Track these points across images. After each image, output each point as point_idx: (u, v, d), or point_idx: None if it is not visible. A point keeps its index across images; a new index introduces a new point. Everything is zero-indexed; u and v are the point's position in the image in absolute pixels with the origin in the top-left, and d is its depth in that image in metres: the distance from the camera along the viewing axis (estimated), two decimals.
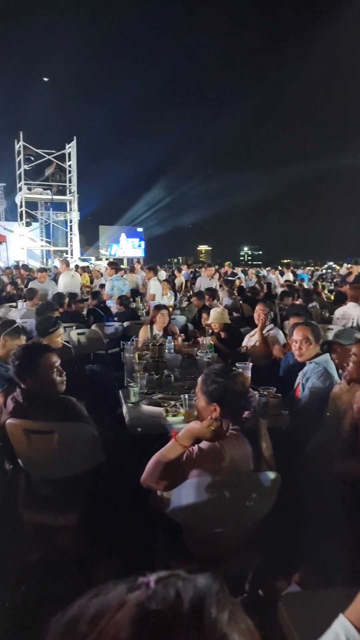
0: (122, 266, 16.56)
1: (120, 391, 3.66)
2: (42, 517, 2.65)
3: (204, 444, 2.11)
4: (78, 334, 6.30)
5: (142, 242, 36.75)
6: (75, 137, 24.58)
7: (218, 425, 2.05)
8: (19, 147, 23.97)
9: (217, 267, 17.51)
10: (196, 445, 2.12)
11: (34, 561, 2.83)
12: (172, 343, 4.72)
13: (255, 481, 2.14)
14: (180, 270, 16.01)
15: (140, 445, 3.10)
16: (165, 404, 3.30)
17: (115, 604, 0.52)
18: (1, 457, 3.31)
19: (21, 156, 23.89)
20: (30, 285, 8.70)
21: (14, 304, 9.40)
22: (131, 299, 8.76)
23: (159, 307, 5.63)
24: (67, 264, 11.65)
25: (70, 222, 26.18)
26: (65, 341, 5.61)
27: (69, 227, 26.41)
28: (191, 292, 13.31)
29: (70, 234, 26.37)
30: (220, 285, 11.42)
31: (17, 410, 2.65)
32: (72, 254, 25.86)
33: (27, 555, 2.84)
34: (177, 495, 2.13)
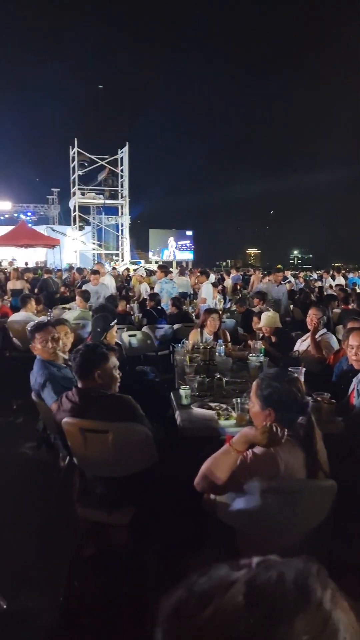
0: (171, 269, 16.66)
1: (171, 393, 3.69)
2: (96, 514, 2.70)
3: (258, 450, 2.10)
4: (129, 335, 6.39)
5: (192, 246, 36.86)
6: (127, 143, 24.97)
7: (274, 431, 2.03)
8: (74, 153, 24.58)
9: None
10: (250, 451, 2.11)
11: (87, 557, 2.89)
12: (223, 346, 4.72)
13: (310, 488, 2.11)
14: (229, 274, 15.94)
15: (191, 447, 3.11)
16: (217, 407, 3.29)
17: (224, 584, 0.54)
18: (56, 453, 3.42)
19: (75, 162, 24.48)
20: (83, 287, 8.89)
21: (67, 305, 9.64)
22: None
23: (209, 311, 5.63)
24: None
25: (122, 225, 26.59)
26: (116, 342, 5.72)
27: (120, 231, 26.82)
28: (239, 295, 13.25)
29: (121, 238, 26.77)
30: None
31: (74, 409, 2.72)
32: (122, 257, 26.25)
33: (81, 551, 2.91)
34: (230, 500, 2.12)
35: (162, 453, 2.78)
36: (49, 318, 7.99)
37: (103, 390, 2.79)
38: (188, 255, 36.25)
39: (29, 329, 3.76)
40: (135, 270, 19.87)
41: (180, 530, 2.65)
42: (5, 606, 2.63)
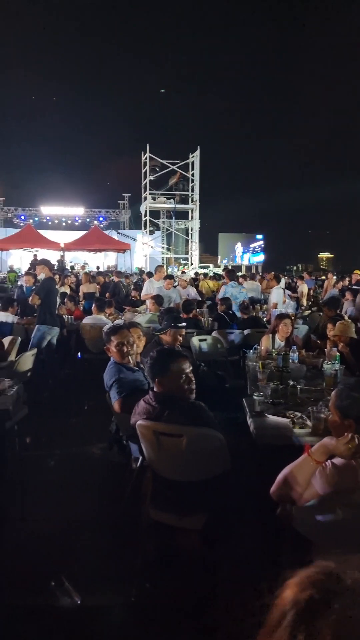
0: (239, 273, 16.54)
1: (243, 399, 3.65)
2: (168, 518, 2.71)
3: (338, 461, 2.03)
4: (200, 340, 6.40)
5: (262, 249, 36.48)
6: (198, 147, 25.10)
7: (355, 443, 1.95)
8: (145, 158, 25.02)
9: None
10: (330, 461, 2.04)
11: (158, 559, 2.90)
12: (296, 353, 4.61)
13: None
14: (302, 278, 15.59)
15: (264, 455, 3.06)
16: (292, 415, 3.22)
17: None
18: (128, 455, 3.46)
19: (147, 167, 24.90)
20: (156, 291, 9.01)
21: (138, 309, 9.80)
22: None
23: (281, 316, 5.53)
24: (151, 275, 12.13)
25: (191, 229, 26.76)
26: (186, 346, 5.74)
27: (189, 235, 26.99)
28: (312, 300, 12.93)
29: (191, 242, 26.93)
30: (343, 294, 10.95)
31: (149, 412, 2.75)
32: (192, 262, 26.40)
33: (152, 553, 2.92)
34: (307, 511, 2.06)
35: (235, 460, 2.75)
36: (122, 321, 8.18)
37: (177, 394, 2.79)
38: (259, 258, 35.86)
39: (105, 331, 3.84)
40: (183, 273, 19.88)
41: (253, 539, 2.60)
42: (79, 602, 2.69)
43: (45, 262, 7.45)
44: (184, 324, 4.69)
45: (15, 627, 2.49)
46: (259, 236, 37.30)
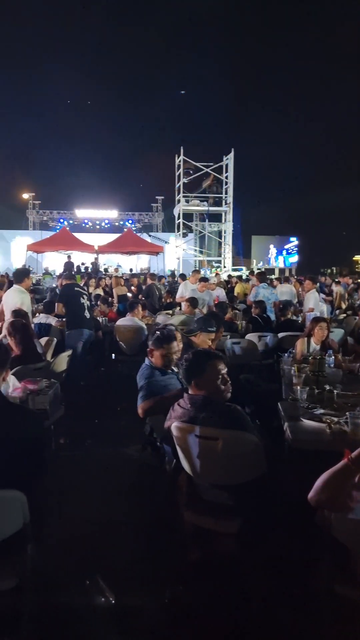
0: (272, 276, 16.37)
1: (278, 403, 3.62)
2: (203, 520, 2.70)
3: None
4: (233, 342, 6.37)
5: (296, 252, 36.12)
6: (233, 149, 25.03)
7: None
8: (179, 161, 25.09)
9: None
10: None
11: (192, 562, 2.90)
12: (333, 357, 4.55)
13: None
14: (338, 282, 15.34)
15: (300, 460, 3.03)
16: (328, 420, 3.17)
17: None
18: (161, 457, 3.47)
19: (181, 170, 24.96)
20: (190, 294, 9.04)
21: (170, 311, 9.84)
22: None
23: (317, 320, 5.47)
24: (184, 277, 12.19)
25: (224, 232, 26.69)
26: (220, 349, 5.72)
27: (222, 238, 26.93)
28: (346, 303, 12.72)
29: (224, 244, 26.86)
30: None
31: (184, 414, 2.75)
32: (224, 264, 26.33)
33: (185, 555, 2.93)
34: (347, 518, 2.02)
35: (271, 464, 2.73)
36: (155, 323, 8.22)
37: (214, 396, 2.79)
38: (293, 260, 35.48)
39: (158, 336, 3.70)
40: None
41: (290, 545, 2.58)
42: (113, 601, 2.71)
43: (66, 266, 7.53)
44: (214, 329, 4.67)
45: (51, 624, 2.53)
46: (293, 238, 36.91)
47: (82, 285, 8.35)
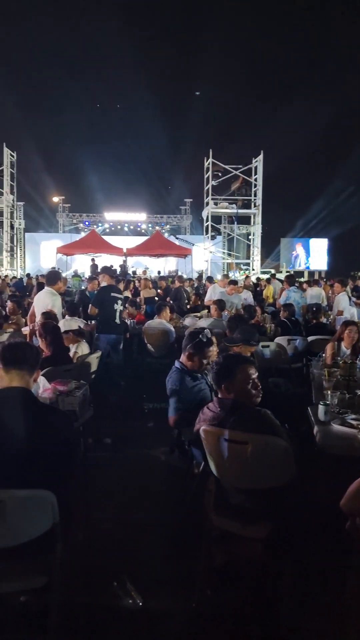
0: (301, 279, 16.19)
1: (308, 408, 3.57)
2: (231, 525, 2.68)
3: None
4: (262, 346, 6.32)
5: (326, 254, 35.64)
6: (262, 151, 24.90)
7: None
8: (208, 164, 25.09)
9: None
10: None
11: (220, 566, 2.88)
12: None
13: None
14: None
15: (330, 465, 2.99)
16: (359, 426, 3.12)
17: None
18: (189, 460, 3.46)
19: (210, 173, 24.96)
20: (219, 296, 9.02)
21: (198, 314, 9.83)
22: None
23: (347, 323, 5.39)
24: (211, 280, 12.16)
25: (253, 234, 26.57)
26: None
27: (251, 240, 26.81)
28: None
29: (252, 247, 26.73)
30: None
31: (213, 418, 2.74)
32: (253, 267, 26.20)
33: (214, 559, 2.90)
34: None
35: (300, 469, 2.70)
36: (183, 326, 8.22)
37: (244, 400, 2.77)
38: (322, 265, 35.05)
39: (203, 341, 3.65)
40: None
41: (320, 551, 2.54)
42: (140, 604, 2.71)
43: (106, 271, 7.53)
44: (256, 344, 4.67)
45: (77, 624, 2.54)
46: (323, 240, 36.45)
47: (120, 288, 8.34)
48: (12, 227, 26.24)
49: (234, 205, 25.74)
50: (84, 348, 5.47)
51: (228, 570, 2.84)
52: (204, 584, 2.78)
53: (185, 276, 19.78)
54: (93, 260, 22.00)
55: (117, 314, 6.83)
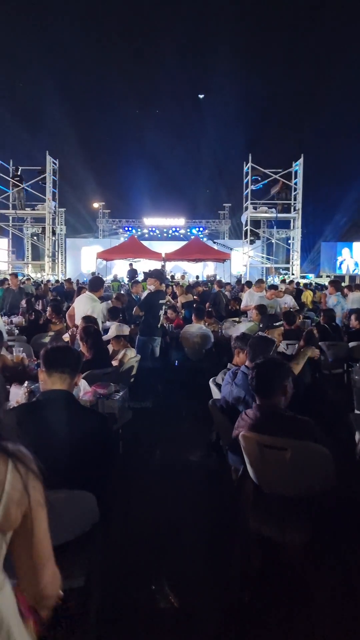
0: (342, 284, 15.86)
1: (350, 415, 3.51)
2: (270, 531, 2.66)
3: None
4: None
5: None
6: (302, 155, 24.64)
7: None
8: (247, 168, 25.00)
9: None
10: None
11: (257, 571, 2.86)
12: None
13: None
14: None
15: None
16: None
17: None
18: (227, 464, 3.46)
19: (249, 177, 24.86)
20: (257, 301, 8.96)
21: (237, 318, 9.79)
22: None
23: None
24: (250, 285, 12.02)
25: (292, 239, 26.28)
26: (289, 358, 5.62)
27: (291, 244, 26.53)
28: None
29: (292, 251, 26.45)
30: None
31: (253, 423, 2.73)
32: (292, 271, 25.91)
33: (250, 564, 2.88)
34: None
35: (340, 477, 2.66)
36: (221, 330, 8.22)
37: (282, 407, 2.75)
38: None
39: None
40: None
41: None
42: (176, 605, 2.72)
43: (157, 275, 7.55)
44: (281, 322, 4.74)
45: (115, 624, 2.57)
46: None
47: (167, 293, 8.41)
48: (53, 233, 26.76)
49: (273, 210, 25.53)
50: (131, 353, 5.54)
51: (266, 575, 2.82)
52: (241, 587, 2.77)
53: (224, 280, 19.71)
54: (131, 265, 22.21)
55: (160, 318, 6.99)
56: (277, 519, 2.66)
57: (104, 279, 16.67)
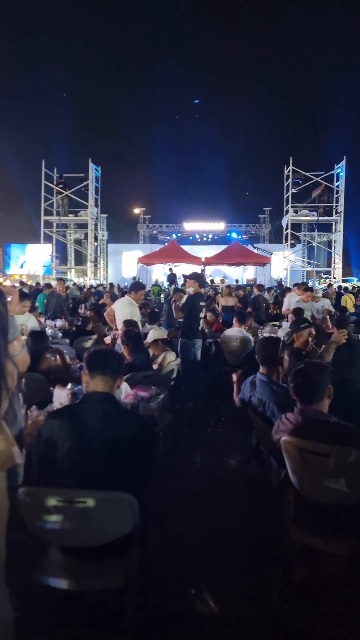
0: None
1: None
2: (312, 540, 2.61)
3: None
4: None
5: None
6: (345, 157, 24.22)
7: None
8: (288, 171, 24.76)
9: None
10: None
11: (297, 581, 2.81)
12: None
13: None
14: None
15: None
16: None
17: None
18: (267, 470, 3.41)
19: (290, 180, 24.61)
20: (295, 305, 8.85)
21: (277, 322, 9.68)
22: None
23: None
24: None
25: (334, 242, 25.84)
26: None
27: (332, 248, 26.08)
28: None
29: (334, 255, 25.99)
30: None
31: (295, 428, 2.69)
32: (334, 275, 25.46)
33: (291, 574, 2.84)
34: None
35: None
36: (261, 335, 8.13)
37: (324, 412, 2.71)
38: None
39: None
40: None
41: None
42: (216, 612, 2.70)
43: (196, 278, 7.53)
44: (305, 324, 4.75)
45: (151, 627, 2.56)
46: None
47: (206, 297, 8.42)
48: (96, 238, 27.21)
49: (314, 213, 25.18)
50: (171, 356, 5.56)
51: (307, 585, 2.76)
52: (281, 597, 2.72)
53: (264, 284, 19.56)
54: (171, 269, 22.30)
55: (201, 321, 6.96)
56: (319, 527, 2.60)
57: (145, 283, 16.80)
